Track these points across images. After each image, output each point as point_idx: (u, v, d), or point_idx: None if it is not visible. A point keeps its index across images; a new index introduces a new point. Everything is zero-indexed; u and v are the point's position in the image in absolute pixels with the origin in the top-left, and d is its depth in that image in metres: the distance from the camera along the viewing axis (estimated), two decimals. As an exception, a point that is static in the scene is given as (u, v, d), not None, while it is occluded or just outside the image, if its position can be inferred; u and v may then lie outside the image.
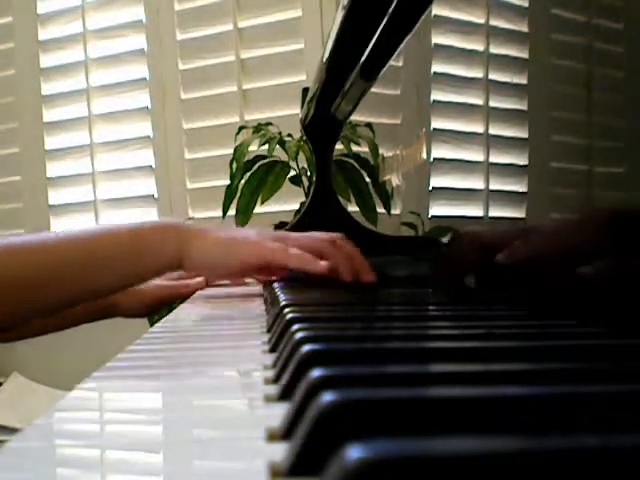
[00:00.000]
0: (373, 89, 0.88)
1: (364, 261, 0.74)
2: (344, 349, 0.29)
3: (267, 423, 0.23)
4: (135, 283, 0.76)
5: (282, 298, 0.51)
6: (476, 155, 0.60)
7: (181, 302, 0.84)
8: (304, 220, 1.04)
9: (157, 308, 1.04)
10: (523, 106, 0.51)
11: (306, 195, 1.50)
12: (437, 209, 0.69)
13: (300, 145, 1.47)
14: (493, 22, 0.56)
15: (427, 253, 0.71)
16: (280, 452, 0.20)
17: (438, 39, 0.67)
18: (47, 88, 2.17)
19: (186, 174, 2.01)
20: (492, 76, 0.56)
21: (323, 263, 0.69)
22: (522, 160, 0.51)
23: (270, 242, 0.72)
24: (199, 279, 0.96)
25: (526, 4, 0.51)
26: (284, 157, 1.51)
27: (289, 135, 1.55)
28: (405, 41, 0.74)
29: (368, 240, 0.94)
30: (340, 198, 1.04)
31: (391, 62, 0.80)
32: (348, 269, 0.72)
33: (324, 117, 1.03)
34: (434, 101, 0.69)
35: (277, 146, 1.50)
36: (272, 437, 0.22)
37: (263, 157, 1.53)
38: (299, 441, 0.18)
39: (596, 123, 0.40)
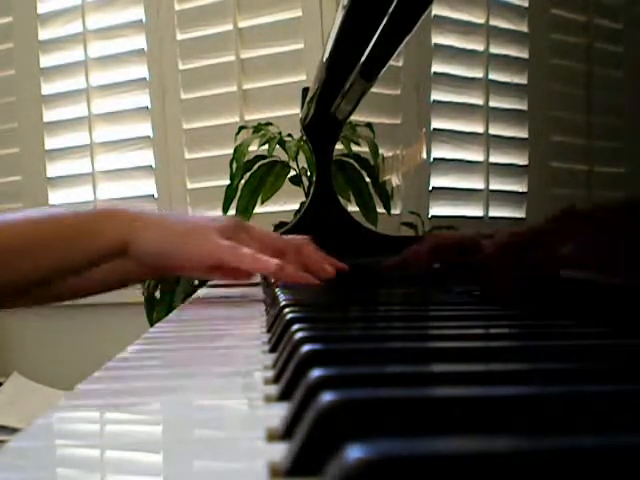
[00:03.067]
0: (373, 89, 0.88)
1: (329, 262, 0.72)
2: (344, 349, 0.29)
3: (267, 423, 0.23)
4: (75, 268, 0.72)
5: (282, 298, 0.51)
6: (476, 155, 0.60)
7: (182, 300, 0.83)
8: (304, 220, 1.04)
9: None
10: (523, 106, 0.51)
11: (306, 195, 1.50)
12: (437, 209, 0.69)
13: (300, 145, 1.47)
14: (493, 22, 0.56)
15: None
16: (280, 452, 0.20)
17: (438, 39, 0.67)
18: (47, 88, 2.18)
19: (186, 174, 2.01)
20: (492, 76, 0.56)
21: (274, 261, 0.65)
22: (522, 160, 0.51)
23: (222, 239, 0.67)
24: None
25: (526, 4, 0.51)
26: (284, 157, 1.51)
27: (289, 135, 1.55)
28: (405, 41, 0.74)
29: (368, 240, 0.94)
30: (340, 198, 1.04)
31: (391, 62, 0.80)
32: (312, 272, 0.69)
33: (324, 117, 1.03)
34: (434, 101, 0.69)
35: (277, 146, 1.50)
36: (272, 437, 0.22)
37: (263, 157, 1.53)
38: (299, 441, 0.18)
39: (596, 123, 0.40)
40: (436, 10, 0.66)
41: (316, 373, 0.23)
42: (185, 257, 0.68)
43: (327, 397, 0.19)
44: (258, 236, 0.71)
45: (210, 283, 0.95)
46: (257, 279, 0.88)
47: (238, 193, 1.52)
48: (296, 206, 1.56)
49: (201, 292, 0.89)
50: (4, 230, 0.69)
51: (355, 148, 1.03)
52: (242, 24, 1.93)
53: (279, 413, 0.24)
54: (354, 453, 0.15)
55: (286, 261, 0.68)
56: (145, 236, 0.68)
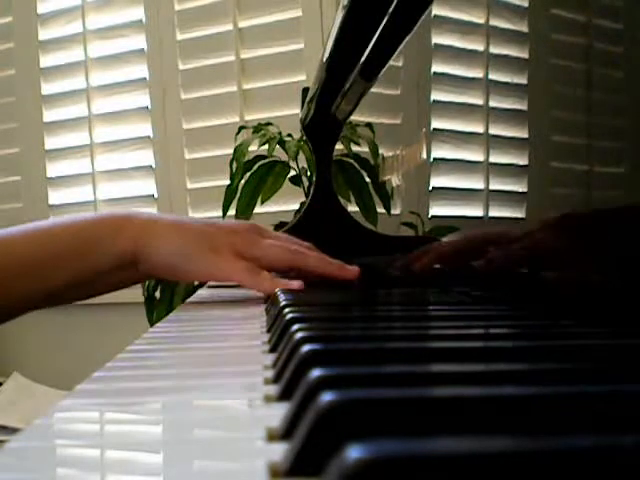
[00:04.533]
0: (373, 89, 0.88)
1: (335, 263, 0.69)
2: (344, 349, 0.29)
3: (267, 423, 0.23)
4: (87, 279, 0.68)
5: (282, 298, 0.51)
6: (476, 155, 0.60)
7: (182, 300, 0.83)
8: (304, 220, 1.04)
9: None
10: (523, 106, 0.51)
11: (306, 195, 1.50)
12: (437, 209, 0.69)
13: (300, 145, 1.47)
14: (493, 22, 0.56)
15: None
16: (280, 452, 0.20)
17: (438, 39, 0.67)
18: (47, 88, 2.18)
19: (186, 174, 2.01)
20: (492, 76, 0.56)
21: (296, 283, 0.63)
22: (522, 160, 0.51)
23: (237, 259, 0.64)
24: None
25: (526, 4, 0.51)
26: (284, 157, 1.51)
27: (289, 135, 1.55)
28: (405, 41, 0.74)
29: (368, 240, 0.94)
30: (340, 198, 1.04)
31: (391, 62, 0.80)
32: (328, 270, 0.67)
33: (324, 117, 1.03)
34: (434, 101, 0.69)
35: (277, 146, 1.50)
36: (272, 437, 0.22)
37: (263, 157, 1.53)
38: (299, 441, 0.18)
39: (596, 123, 0.40)
40: (436, 10, 0.66)
41: (316, 373, 0.23)
42: (195, 274, 0.66)
43: (327, 397, 0.19)
44: (269, 249, 0.67)
45: (210, 283, 0.95)
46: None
47: (238, 193, 1.52)
48: (296, 206, 1.56)
49: (201, 292, 0.89)
50: (15, 243, 0.66)
51: (355, 148, 1.03)
52: (242, 24, 1.93)
53: (279, 413, 0.24)
54: (354, 453, 0.15)
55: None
56: (156, 246, 0.65)
